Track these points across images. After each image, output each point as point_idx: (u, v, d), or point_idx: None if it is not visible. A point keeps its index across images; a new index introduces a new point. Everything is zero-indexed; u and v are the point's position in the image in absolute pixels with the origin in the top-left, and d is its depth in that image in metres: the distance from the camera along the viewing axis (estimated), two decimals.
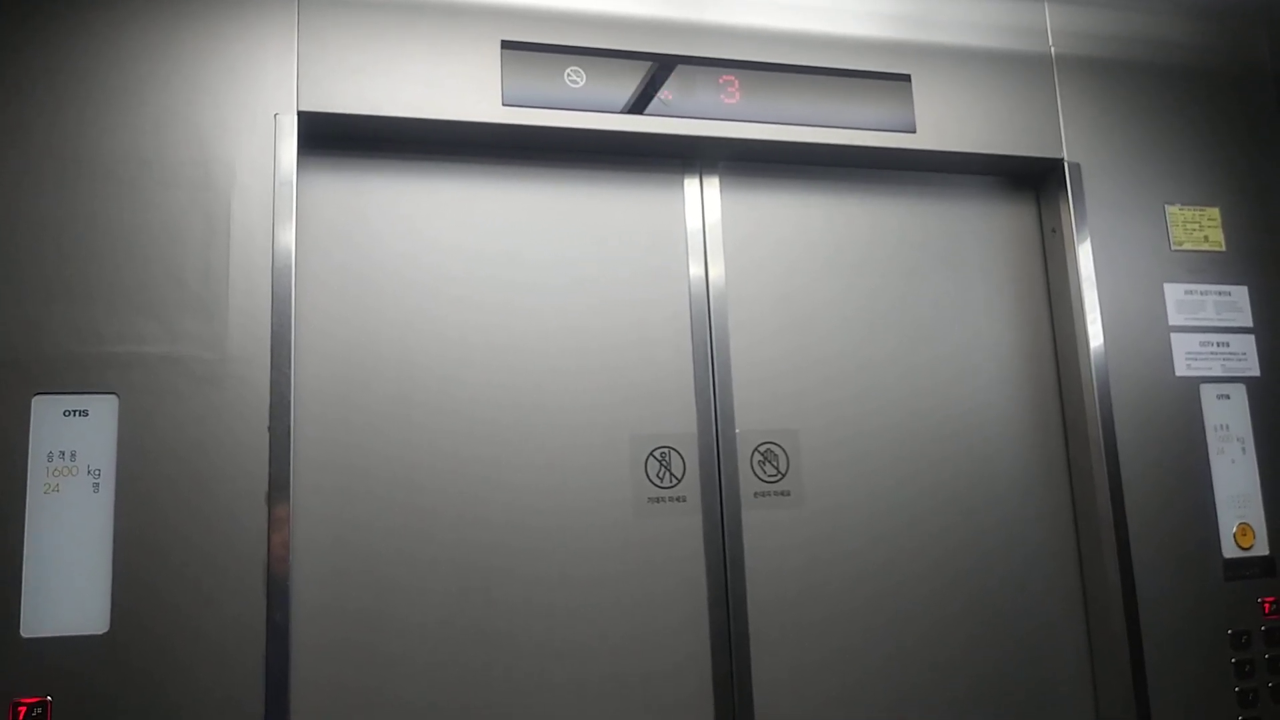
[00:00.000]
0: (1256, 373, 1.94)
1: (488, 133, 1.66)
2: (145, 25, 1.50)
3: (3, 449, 1.34)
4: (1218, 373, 1.92)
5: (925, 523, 1.82)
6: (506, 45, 1.65)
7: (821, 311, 1.84)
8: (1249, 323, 1.96)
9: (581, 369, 1.69)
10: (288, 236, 1.49)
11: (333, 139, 1.63)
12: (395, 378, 1.60)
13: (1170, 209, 1.96)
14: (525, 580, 1.61)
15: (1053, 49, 1.96)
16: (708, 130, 1.72)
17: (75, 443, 1.36)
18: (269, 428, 1.43)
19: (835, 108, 1.79)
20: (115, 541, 1.35)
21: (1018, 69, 1.93)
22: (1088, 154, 1.93)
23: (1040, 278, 1.98)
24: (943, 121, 1.86)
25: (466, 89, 1.62)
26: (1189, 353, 1.90)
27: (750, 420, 1.76)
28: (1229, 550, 1.85)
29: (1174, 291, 1.92)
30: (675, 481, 1.71)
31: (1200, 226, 1.97)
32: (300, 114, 1.53)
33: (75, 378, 1.38)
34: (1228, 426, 1.90)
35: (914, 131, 1.83)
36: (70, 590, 1.33)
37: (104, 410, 1.38)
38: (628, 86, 1.70)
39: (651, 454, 1.70)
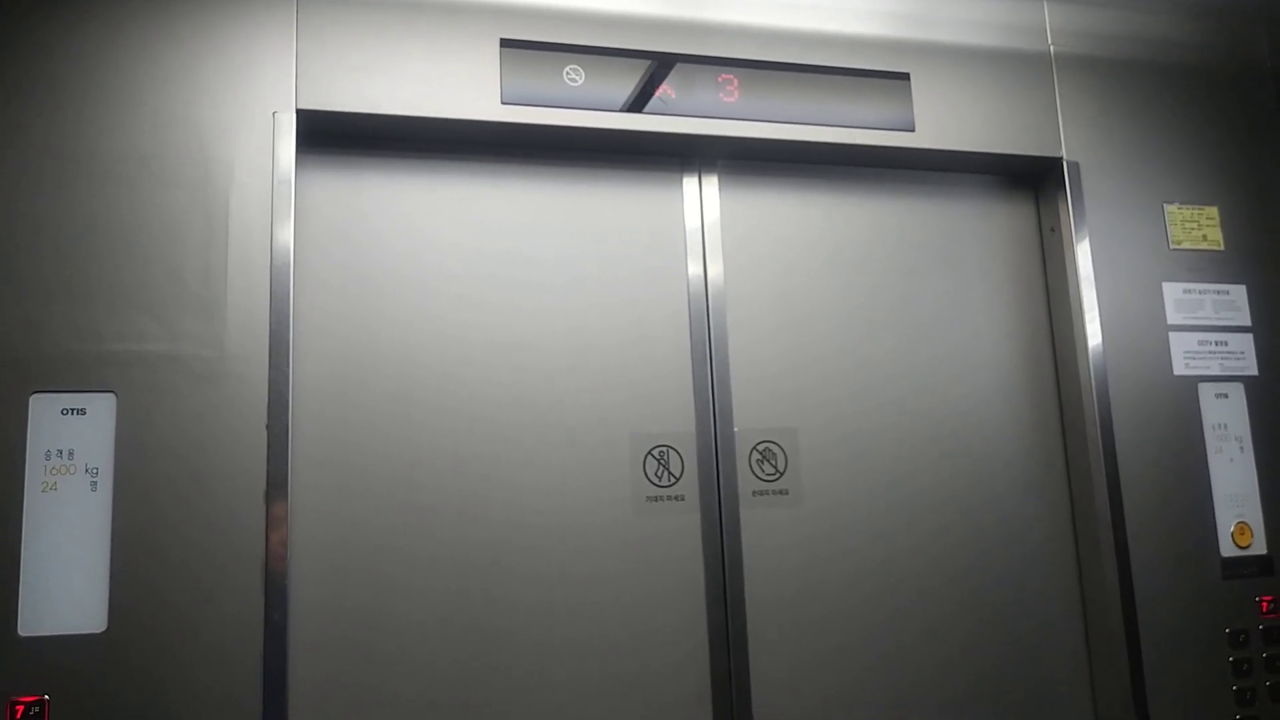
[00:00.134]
0: (1255, 372, 1.95)
1: (487, 131, 1.66)
2: (144, 24, 1.50)
3: (0, 447, 1.33)
4: (1216, 372, 1.92)
5: (923, 522, 1.82)
6: (505, 43, 1.65)
7: (820, 310, 1.84)
8: (1247, 322, 1.96)
9: (580, 367, 1.69)
10: (286, 235, 1.48)
11: (331, 137, 1.62)
12: (394, 376, 1.60)
13: (1169, 208, 1.96)
14: (524, 578, 1.61)
15: (1052, 48, 1.96)
16: (707, 129, 1.72)
17: (73, 441, 1.36)
18: (267, 426, 1.43)
19: (834, 106, 1.79)
20: (113, 540, 1.35)
21: (1017, 68, 1.93)
22: (1086, 153, 1.93)
23: (1039, 277, 1.98)
24: (942, 120, 1.86)
25: (465, 87, 1.61)
26: (1187, 352, 1.91)
27: (749, 419, 1.76)
28: (1227, 549, 1.86)
29: (1172, 290, 1.92)
30: (674, 480, 1.71)
31: (1199, 225, 1.97)
32: (299, 112, 1.53)
33: (73, 376, 1.38)
34: (1226, 425, 1.90)
35: (913, 130, 1.83)
36: (68, 589, 1.33)
37: (102, 409, 1.38)
38: (627, 85, 1.70)
39: (650, 452, 1.70)
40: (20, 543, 1.32)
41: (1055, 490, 1.91)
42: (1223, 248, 1.98)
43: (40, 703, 1.29)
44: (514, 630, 1.59)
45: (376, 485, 1.57)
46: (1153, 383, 1.87)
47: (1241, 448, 1.91)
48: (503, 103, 1.63)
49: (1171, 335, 1.90)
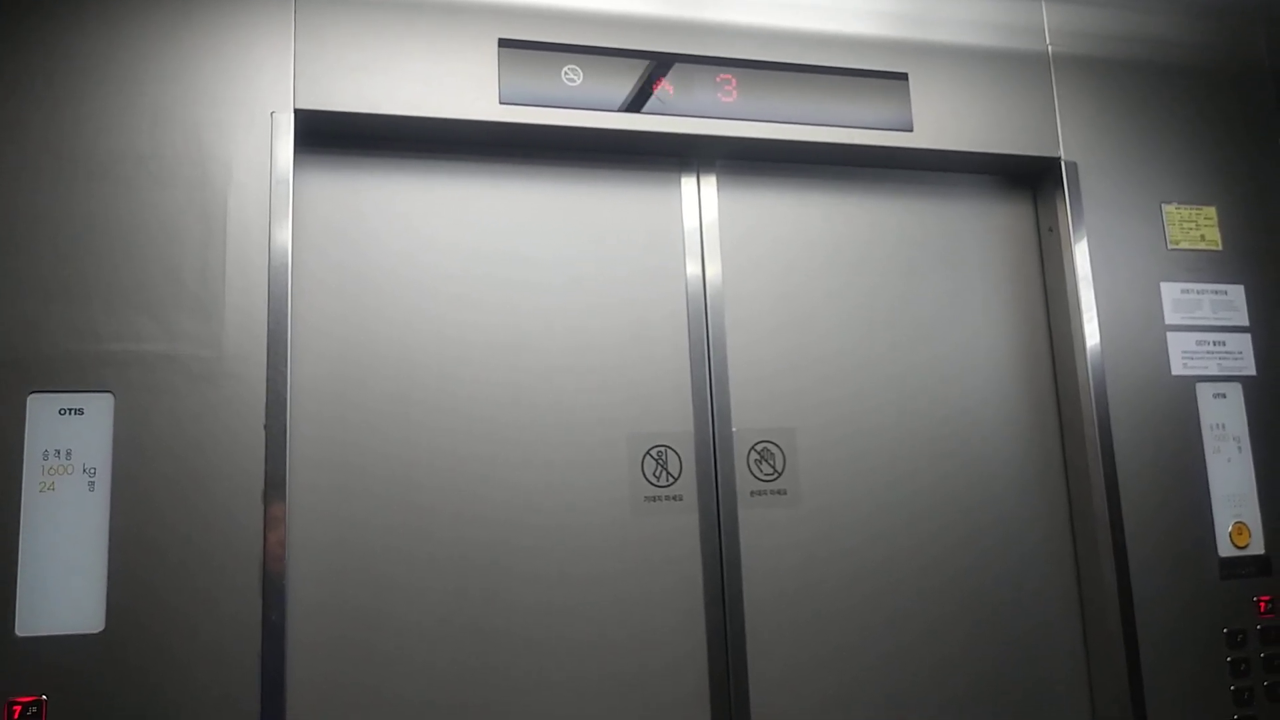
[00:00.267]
0: (1253, 371, 1.95)
1: (485, 131, 1.66)
2: (142, 23, 1.50)
3: None
4: (1214, 372, 1.92)
5: (922, 522, 1.82)
6: (504, 43, 1.65)
7: (818, 310, 1.84)
8: (1245, 321, 1.97)
9: (579, 367, 1.69)
10: (284, 235, 1.48)
11: (329, 137, 1.62)
12: (392, 376, 1.60)
13: (1167, 208, 1.96)
14: (522, 578, 1.60)
15: (1050, 48, 1.96)
16: (705, 129, 1.72)
17: (71, 441, 1.36)
18: (265, 426, 1.42)
19: (833, 106, 1.79)
20: (111, 540, 1.35)
21: (1015, 68, 1.93)
22: (1084, 153, 1.93)
23: (1037, 277, 1.98)
24: (940, 120, 1.86)
25: (463, 87, 1.61)
26: (1185, 351, 1.91)
27: (747, 419, 1.76)
28: (1224, 549, 1.86)
29: (1170, 290, 1.93)
30: (672, 480, 1.71)
31: (1197, 225, 1.97)
32: (297, 112, 1.53)
33: (71, 376, 1.38)
34: (1224, 425, 1.91)
35: (911, 130, 1.83)
36: (65, 589, 1.33)
37: (100, 409, 1.38)
38: (625, 85, 1.70)
39: (648, 453, 1.70)
40: (18, 543, 1.32)
41: (1053, 490, 1.91)
42: (1221, 248, 1.98)
43: (38, 703, 1.29)
44: (512, 630, 1.59)
45: (375, 485, 1.57)
46: (1151, 383, 1.87)
47: (1239, 448, 1.91)
48: (501, 102, 1.62)
49: (1169, 335, 1.90)
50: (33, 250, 1.39)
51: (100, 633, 1.33)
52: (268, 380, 1.44)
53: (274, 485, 1.41)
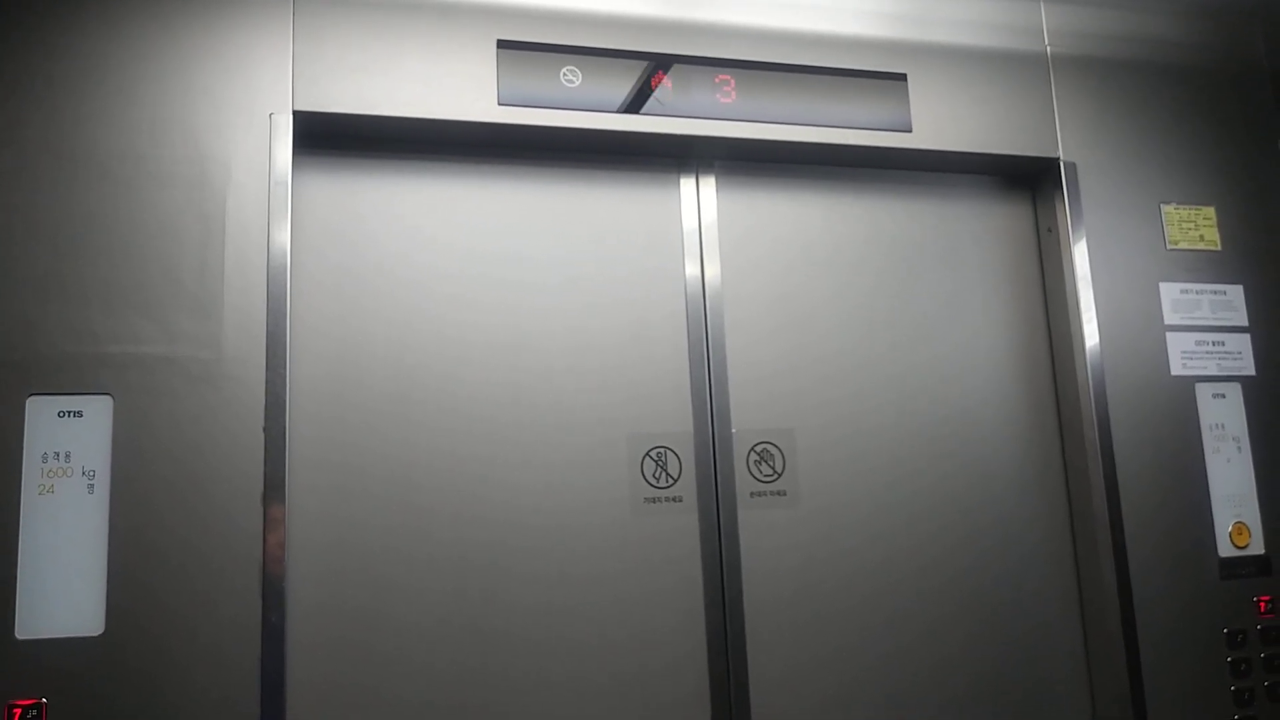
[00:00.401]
0: (1252, 372, 1.95)
1: (483, 132, 1.65)
2: (141, 23, 1.49)
3: None
4: (1213, 372, 1.92)
5: (921, 522, 1.82)
6: (502, 44, 1.65)
7: (817, 311, 1.84)
8: (1244, 322, 1.97)
9: (578, 368, 1.69)
10: (283, 236, 1.48)
11: (328, 138, 1.62)
12: (391, 377, 1.60)
13: (1166, 208, 1.96)
14: (522, 579, 1.60)
15: (1048, 48, 1.96)
16: (704, 129, 1.72)
17: (70, 444, 1.36)
18: (264, 428, 1.42)
19: (831, 107, 1.79)
20: (110, 542, 1.35)
21: (1013, 68, 1.93)
22: (1083, 153, 1.93)
23: (1036, 277, 1.98)
24: (939, 121, 1.86)
25: (462, 88, 1.61)
26: (1184, 352, 1.91)
27: (746, 420, 1.76)
28: (1224, 549, 1.86)
29: (1169, 290, 1.93)
30: (672, 481, 1.71)
31: (1196, 225, 1.97)
32: (295, 113, 1.53)
33: (70, 378, 1.37)
34: (1223, 425, 1.91)
35: (910, 131, 1.83)
36: (65, 592, 1.32)
37: (99, 411, 1.38)
38: (624, 86, 1.70)
39: (648, 454, 1.70)
40: (17, 545, 1.32)
41: (1053, 490, 1.91)
42: (1220, 248, 1.98)
43: (38, 706, 1.29)
44: (512, 631, 1.58)
45: (374, 486, 1.56)
46: (1150, 383, 1.87)
47: (1239, 448, 1.91)
48: (499, 104, 1.62)
49: (1169, 335, 1.90)
50: (31, 251, 1.39)
51: (100, 635, 1.33)
52: (267, 382, 1.44)
53: (273, 487, 1.41)
